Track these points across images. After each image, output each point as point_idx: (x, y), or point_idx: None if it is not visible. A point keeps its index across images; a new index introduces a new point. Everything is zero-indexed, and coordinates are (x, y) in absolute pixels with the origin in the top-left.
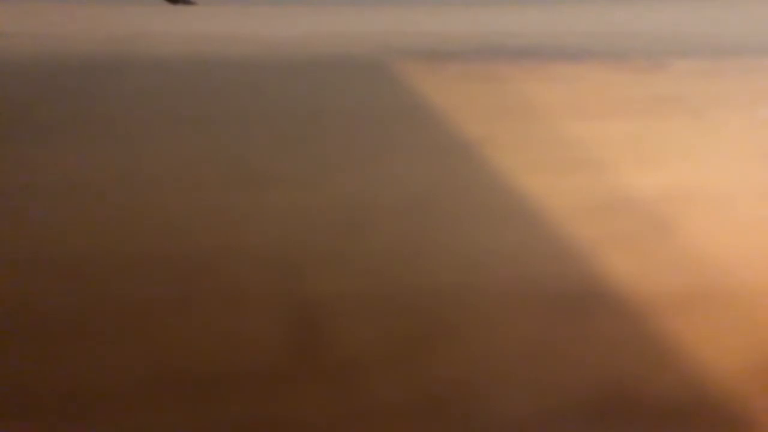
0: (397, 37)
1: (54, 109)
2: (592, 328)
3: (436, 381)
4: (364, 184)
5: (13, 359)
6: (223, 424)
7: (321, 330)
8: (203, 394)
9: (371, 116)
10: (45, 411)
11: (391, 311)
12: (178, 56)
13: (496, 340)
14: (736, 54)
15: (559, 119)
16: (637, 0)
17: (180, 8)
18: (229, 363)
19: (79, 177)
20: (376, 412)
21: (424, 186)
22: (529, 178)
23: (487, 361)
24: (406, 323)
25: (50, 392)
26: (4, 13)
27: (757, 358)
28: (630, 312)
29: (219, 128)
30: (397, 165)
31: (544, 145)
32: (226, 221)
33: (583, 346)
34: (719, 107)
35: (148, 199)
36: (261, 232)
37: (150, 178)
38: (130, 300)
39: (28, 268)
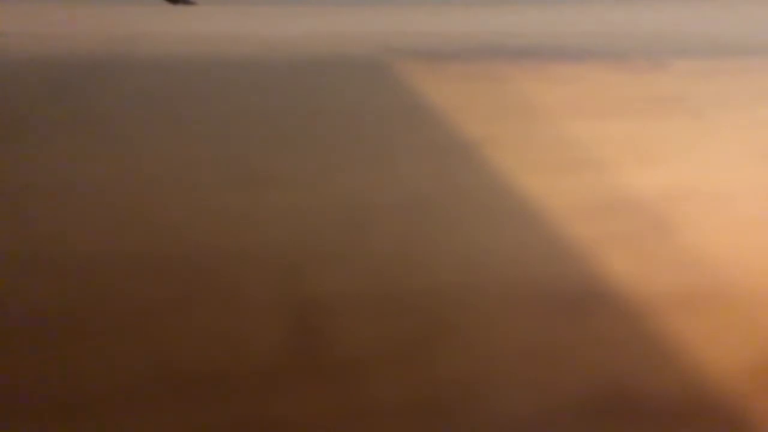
0: (397, 37)
1: (54, 109)
2: (592, 328)
3: (436, 381)
4: (364, 184)
5: (12, 359)
6: (223, 424)
7: (321, 330)
8: (203, 394)
9: (371, 116)
10: (44, 411)
11: (391, 311)
12: (178, 56)
13: (496, 340)
14: (736, 54)
15: (559, 119)
16: (637, 0)
17: (180, 8)
18: (229, 363)
19: (79, 177)
20: (376, 412)
21: (424, 186)
22: (529, 178)
23: (487, 361)
24: (406, 323)
25: (50, 392)
26: (4, 13)
27: (757, 358)
28: (630, 312)
29: (219, 128)
30: (397, 165)
31: (544, 145)
32: (226, 221)
33: (583, 346)
34: (719, 107)
35: (148, 199)
36: (261, 232)
37: (150, 178)
38: (130, 300)
39: (28, 268)
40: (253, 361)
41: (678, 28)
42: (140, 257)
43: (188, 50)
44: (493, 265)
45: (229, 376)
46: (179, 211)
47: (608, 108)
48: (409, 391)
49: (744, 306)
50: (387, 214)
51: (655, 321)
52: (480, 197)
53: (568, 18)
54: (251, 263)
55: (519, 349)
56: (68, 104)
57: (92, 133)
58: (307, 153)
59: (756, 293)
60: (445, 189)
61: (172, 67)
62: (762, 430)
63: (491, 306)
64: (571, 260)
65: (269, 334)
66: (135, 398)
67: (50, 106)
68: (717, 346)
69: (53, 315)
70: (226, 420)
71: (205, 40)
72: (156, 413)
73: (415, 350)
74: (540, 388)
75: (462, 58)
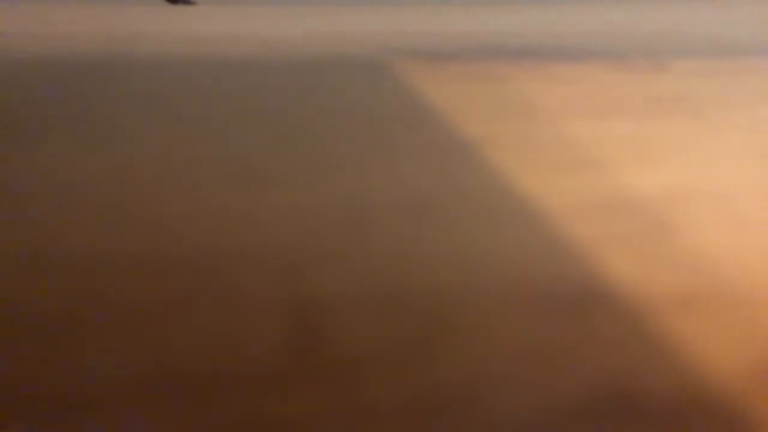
0: (397, 37)
1: (54, 109)
2: (592, 328)
3: (436, 381)
4: (364, 184)
5: (12, 359)
6: (223, 424)
7: (321, 330)
8: (203, 394)
9: (371, 116)
10: (44, 410)
11: (391, 311)
12: (178, 56)
13: (496, 340)
14: (736, 54)
15: (559, 119)
16: (637, 0)
17: (180, 8)
18: (229, 363)
19: (79, 177)
20: (376, 411)
21: (424, 186)
22: (529, 178)
23: (487, 361)
24: (406, 323)
25: (49, 392)
26: (4, 13)
27: (757, 358)
28: (630, 312)
29: (219, 128)
30: (397, 165)
31: (544, 145)
32: (226, 221)
33: (583, 346)
34: (719, 107)
35: (148, 199)
36: (261, 232)
37: (150, 178)
38: (130, 300)
39: (28, 268)
40: (253, 361)
41: (678, 28)
42: (140, 257)
43: (188, 50)
44: (493, 265)
45: (229, 376)
46: (179, 211)
47: (608, 108)
48: (409, 391)
49: (744, 306)
50: (387, 214)
51: (655, 321)
52: (480, 197)
53: (568, 18)
54: (251, 263)
55: (519, 349)
56: (68, 104)
57: (92, 134)
58: (307, 153)
59: (756, 293)
60: (445, 189)
61: (172, 67)
62: (762, 430)
63: (491, 306)
64: (571, 260)
65: (269, 334)
66: (135, 398)
67: (50, 106)
68: (717, 346)
69: (53, 315)
70: (226, 420)
71: (205, 40)
72: (156, 413)
73: (415, 350)
74: (540, 388)
75: (462, 58)
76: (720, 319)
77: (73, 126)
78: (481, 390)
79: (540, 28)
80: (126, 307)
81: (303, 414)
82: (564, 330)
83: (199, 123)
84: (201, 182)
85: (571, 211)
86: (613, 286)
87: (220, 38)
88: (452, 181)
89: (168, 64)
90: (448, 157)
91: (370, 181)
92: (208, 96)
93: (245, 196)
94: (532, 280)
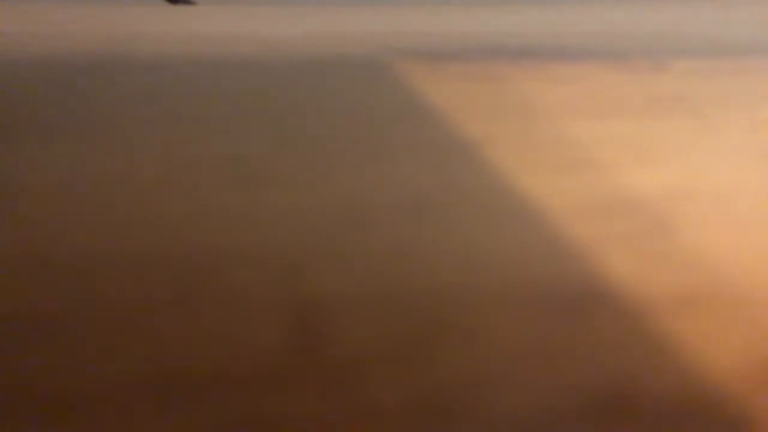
0: (397, 37)
1: (54, 109)
2: (592, 328)
3: (436, 381)
4: (364, 184)
5: (11, 359)
6: (222, 424)
7: (321, 330)
8: (203, 394)
9: (371, 116)
10: (44, 411)
11: (391, 311)
12: (178, 56)
13: (496, 340)
14: (736, 54)
15: (559, 119)
16: (637, 0)
17: (180, 8)
18: (229, 363)
19: (79, 177)
20: (376, 412)
21: (424, 186)
22: (529, 178)
23: (487, 361)
24: (406, 323)
25: (50, 392)
26: (4, 13)
27: (757, 358)
28: (630, 312)
29: (219, 128)
30: (397, 165)
31: (544, 145)
32: (225, 221)
33: (583, 346)
34: (719, 107)
35: (148, 199)
36: (261, 232)
37: (150, 178)
38: (130, 300)
39: (28, 268)
40: (253, 361)
41: (678, 28)
42: (140, 257)
43: (188, 50)
44: (493, 265)
45: (229, 375)
46: (179, 211)
47: (608, 108)
48: (409, 391)
49: (744, 306)
50: (387, 214)
51: (655, 321)
52: (480, 197)
53: (568, 18)
54: (251, 263)
55: (519, 349)
56: (68, 104)
57: (92, 133)
58: (307, 153)
59: (756, 293)
60: (445, 189)
61: (172, 67)
62: (762, 430)
63: (491, 306)
64: (571, 260)
65: (269, 334)
66: (135, 398)
67: (50, 106)
68: (717, 346)
69: (53, 315)
70: (226, 420)
71: (205, 40)
72: (156, 413)
73: (415, 350)
74: (540, 388)
75: (462, 58)
76: (720, 319)
77: (72, 126)
78: (481, 390)
79: (540, 28)
80: (126, 307)
81: (303, 414)
82: (564, 330)
83: (199, 123)
84: (201, 182)
85: (571, 211)
86: (613, 286)
87: (220, 38)
88: (452, 181)
89: (168, 64)
90: (448, 157)
91: (370, 181)
92: (208, 96)
93: (245, 196)
94: (532, 280)
